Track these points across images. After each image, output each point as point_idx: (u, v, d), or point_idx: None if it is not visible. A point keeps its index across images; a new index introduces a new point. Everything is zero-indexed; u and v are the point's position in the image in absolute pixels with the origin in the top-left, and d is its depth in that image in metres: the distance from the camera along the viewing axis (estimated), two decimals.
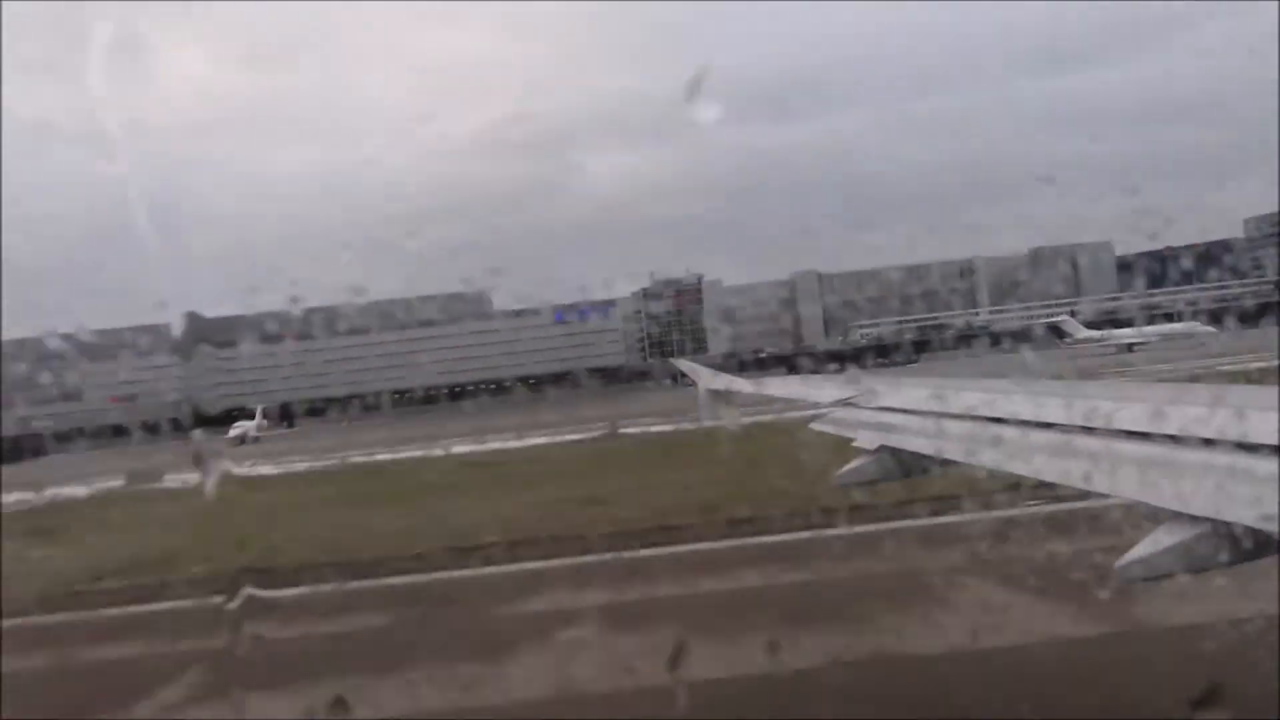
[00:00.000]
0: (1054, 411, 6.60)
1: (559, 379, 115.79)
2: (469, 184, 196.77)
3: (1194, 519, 4.57)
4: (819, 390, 11.93)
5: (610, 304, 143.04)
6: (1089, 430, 5.96)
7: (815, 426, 10.55)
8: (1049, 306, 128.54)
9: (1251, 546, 4.31)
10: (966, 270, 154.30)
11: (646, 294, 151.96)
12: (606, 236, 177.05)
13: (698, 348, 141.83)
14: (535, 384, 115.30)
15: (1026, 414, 6.83)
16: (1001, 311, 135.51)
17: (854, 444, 9.30)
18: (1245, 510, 4.37)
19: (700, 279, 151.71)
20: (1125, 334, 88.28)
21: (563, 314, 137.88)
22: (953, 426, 7.61)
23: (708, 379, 18.90)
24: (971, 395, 8.23)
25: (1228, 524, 4.39)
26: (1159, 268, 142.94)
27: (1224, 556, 4.38)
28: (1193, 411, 5.35)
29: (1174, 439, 5.23)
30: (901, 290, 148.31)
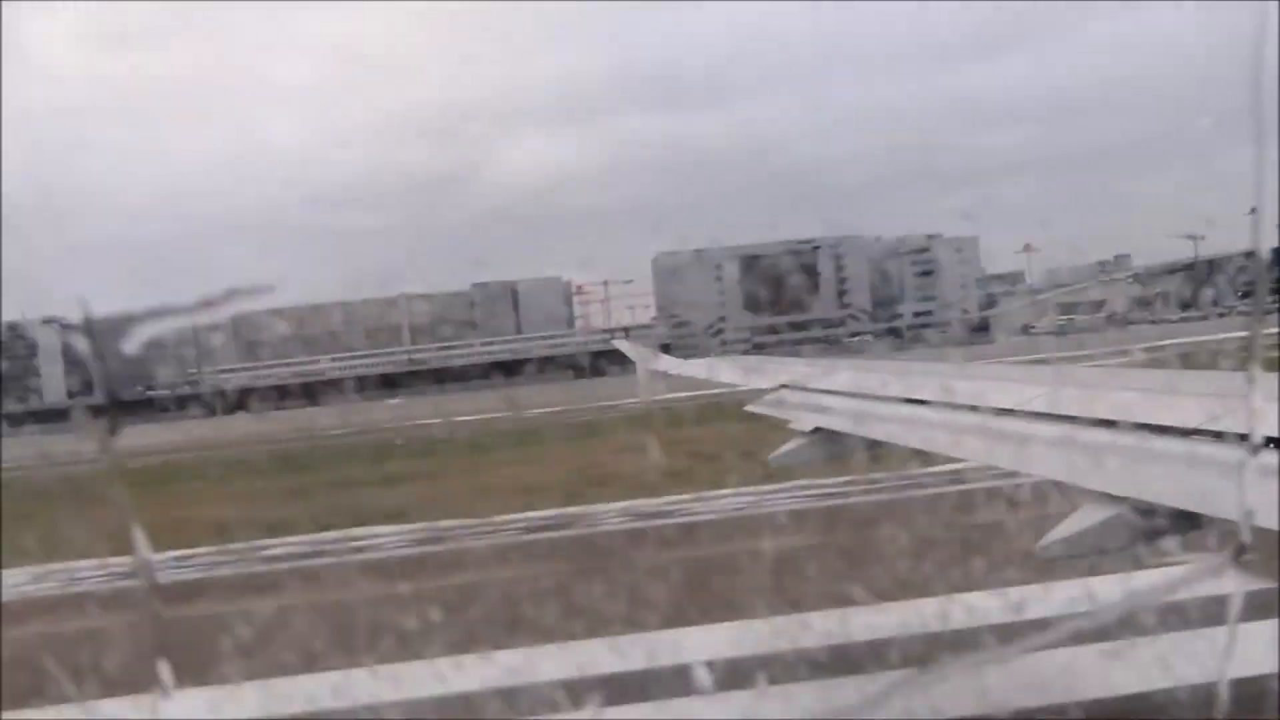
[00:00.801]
0: (999, 397, 6.72)
1: None
2: (379, 170, 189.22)
3: (1113, 499, 4.66)
4: (759, 376, 12.07)
5: None
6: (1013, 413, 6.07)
7: (751, 409, 10.69)
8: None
9: (1167, 525, 4.40)
10: (390, 307, 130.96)
11: None
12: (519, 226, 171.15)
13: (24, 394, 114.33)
14: None
15: (955, 398, 6.93)
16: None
17: (790, 426, 9.48)
18: (1160, 490, 4.47)
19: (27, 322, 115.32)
20: None
21: None
22: (884, 410, 7.71)
23: (647, 360, 19.10)
24: (903, 380, 8.34)
25: (1145, 504, 4.48)
26: None
27: (1141, 536, 4.47)
28: (1122, 396, 5.46)
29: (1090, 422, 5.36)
30: (329, 327, 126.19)
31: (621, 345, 20.81)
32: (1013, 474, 6.79)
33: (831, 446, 8.84)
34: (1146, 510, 4.35)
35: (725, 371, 14.47)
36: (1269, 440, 3.65)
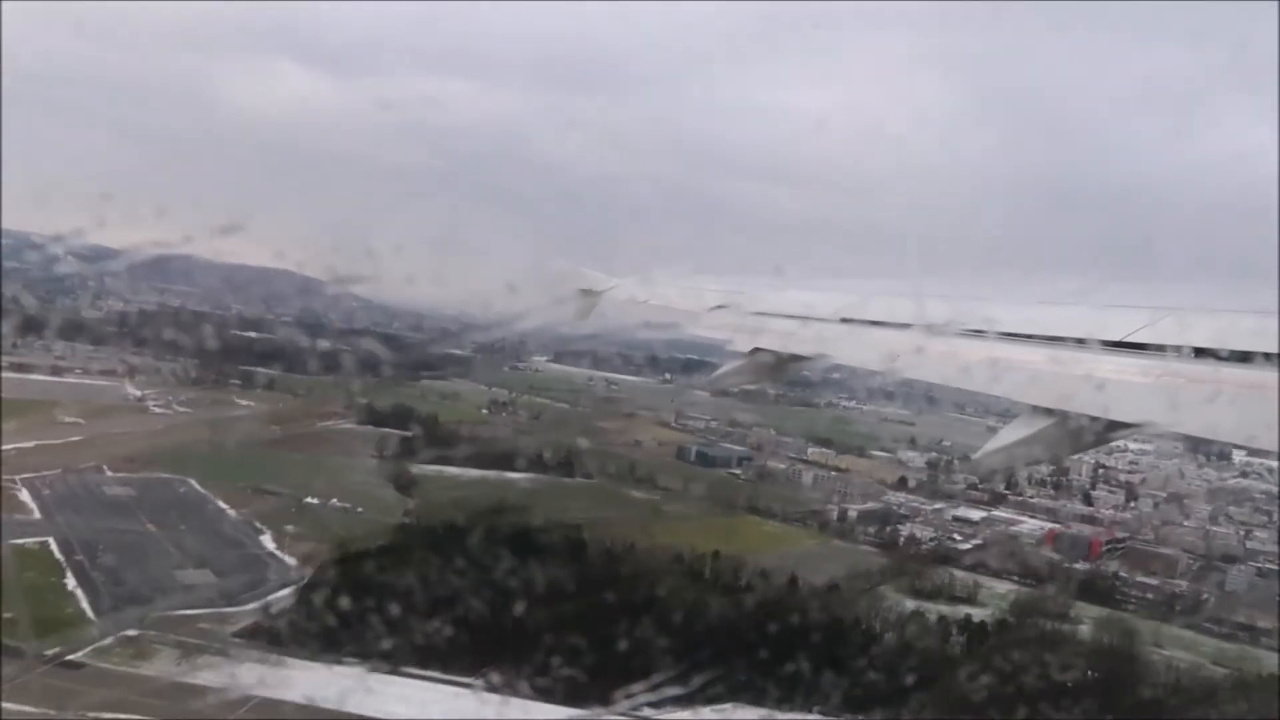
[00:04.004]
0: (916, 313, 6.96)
1: None
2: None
3: (1046, 411, 4.95)
4: (695, 295, 12.04)
5: None
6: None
7: (691, 329, 10.74)
8: None
9: (1094, 436, 4.73)
10: None
11: None
12: None
13: None
14: None
15: (892, 316, 7.17)
16: None
17: (728, 347, 9.56)
18: (1086, 403, 4.78)
19: None
20: None
21: None
22: (826, 329, 7.92)
23: (572, 278, 18.76)
24: (845, 298, 8.53)
25: (1074, 415, 4.78)
26: None
27: (1072, 445, 4.79)
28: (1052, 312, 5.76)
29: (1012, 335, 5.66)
30: None
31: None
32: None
33: (770, 365, 9.00)
34: (1077, 420, 4.66)
35: (660, 290, 14.37)
36: (1195, 350, 3.93)
